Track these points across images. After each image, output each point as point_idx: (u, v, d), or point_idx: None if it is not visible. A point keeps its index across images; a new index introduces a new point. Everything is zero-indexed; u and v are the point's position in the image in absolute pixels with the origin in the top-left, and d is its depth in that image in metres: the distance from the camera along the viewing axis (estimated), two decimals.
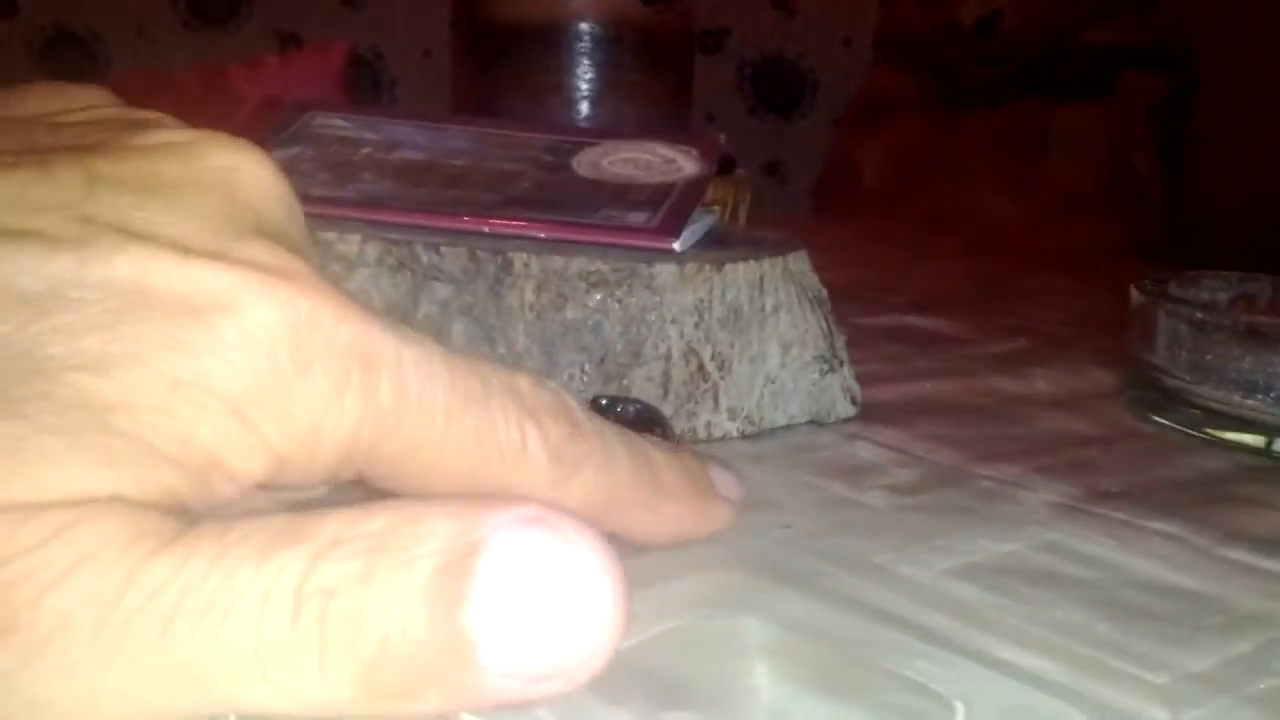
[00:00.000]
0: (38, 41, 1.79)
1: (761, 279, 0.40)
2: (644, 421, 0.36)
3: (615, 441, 0.25)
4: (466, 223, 0.40)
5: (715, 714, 0.22)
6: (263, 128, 0.49)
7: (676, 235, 0.39)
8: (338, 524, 0.18)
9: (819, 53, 1.88)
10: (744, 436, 0.39)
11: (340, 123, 0.49)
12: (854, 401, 0.42)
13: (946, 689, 0.23)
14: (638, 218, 0.41)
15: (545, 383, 0.23)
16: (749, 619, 0.26)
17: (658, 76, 0.54)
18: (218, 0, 1.82)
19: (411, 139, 0.48)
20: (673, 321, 0.38)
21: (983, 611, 0.27)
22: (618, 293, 0.38)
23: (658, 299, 0.38)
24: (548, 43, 0.52)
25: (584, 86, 0.52)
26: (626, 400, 0.36)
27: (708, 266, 0.39)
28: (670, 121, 0.55)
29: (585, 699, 0.22)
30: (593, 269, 0.38)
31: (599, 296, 0.38)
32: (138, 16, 1.80)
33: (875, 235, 1.10)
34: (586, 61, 0.52)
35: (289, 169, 0.45)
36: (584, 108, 0.53)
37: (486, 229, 0.40)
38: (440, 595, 0.17)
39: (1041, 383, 0.49)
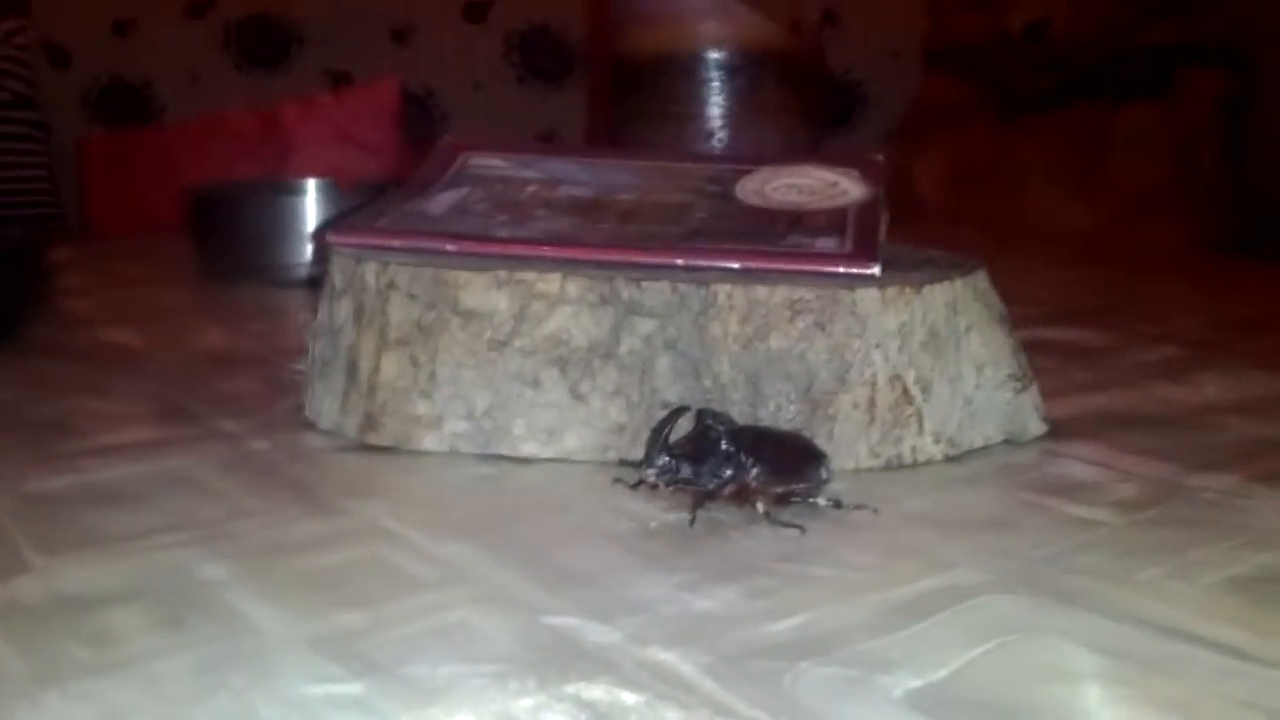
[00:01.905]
0: (93, 92, 1.81)
1: (955, 299, 0.40)
2: (807, 457, 0.36)
3: None
4: (660, 256, 0.40)
5: None
6: (421, 172, 0.49)
7: (876, 259, 0.39)
8: None
9: (866, 66, 1.88)
10: (947, 459, 0.39)
11: (497, 162, 0.50)
12: (1043, 419, 0.42)
13: None
14: (827, 243, 0.41)
15: None
16: (1054, 640, 0.26)
17: (798, 99, 0.54)
18: (269, 42, 1.84)
19: (572, 175, 0.49)
20: (877, 346, 0.38)
21: (1271, 624, 0.27)
22: (821, 320, 0.38)
23: (861, 324, 0.38)
24: (691, 72, 0.53)
25: (728, 113, 0.53)
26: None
27: (908, 289, 0.39)
28: (809, 143, 0.56)
29: None
30: (796, 297, 0.38)
31: (803, 325, 0.38)
32: (190, 62, 1.82)
33: (954, 247, 1.09)
34: (730, 88, 0.52)
35: (464, 209, 0.45)
36: (726, 134, 0.53)
37: (680, 261, 0.40)
38: None
39: (1209, 389, 0.49)
